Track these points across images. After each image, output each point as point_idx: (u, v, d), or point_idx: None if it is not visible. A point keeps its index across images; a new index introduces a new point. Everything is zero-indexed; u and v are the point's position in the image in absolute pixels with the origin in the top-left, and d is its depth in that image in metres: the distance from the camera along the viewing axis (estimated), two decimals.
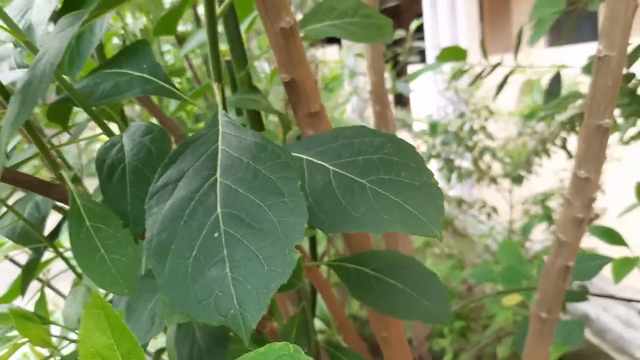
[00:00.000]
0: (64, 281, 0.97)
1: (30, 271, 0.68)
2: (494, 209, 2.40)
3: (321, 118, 0.59)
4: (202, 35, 0.75)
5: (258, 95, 0.59)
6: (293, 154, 0.40)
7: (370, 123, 2.71)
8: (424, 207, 0.36)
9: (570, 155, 2.15)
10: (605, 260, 0.93)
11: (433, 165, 2.46)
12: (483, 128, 2.28)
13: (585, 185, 0.56)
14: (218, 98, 0.39)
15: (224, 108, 0.39)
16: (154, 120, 0.88)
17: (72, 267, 0.70)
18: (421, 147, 2.42)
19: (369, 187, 0.37)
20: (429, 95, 3.53)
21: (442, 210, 0.36)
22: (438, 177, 2.44)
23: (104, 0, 0.32)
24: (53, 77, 0.28)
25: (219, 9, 0.38)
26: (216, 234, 0.30)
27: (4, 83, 0.41)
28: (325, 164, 0.39)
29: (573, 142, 2.13)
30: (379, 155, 0.38)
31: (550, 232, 2.24)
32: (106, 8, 0.32)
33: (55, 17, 0.49)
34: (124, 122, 0.61)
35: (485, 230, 2.63)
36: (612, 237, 0.95)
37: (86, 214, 0.34)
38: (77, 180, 0.73)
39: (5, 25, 0.40)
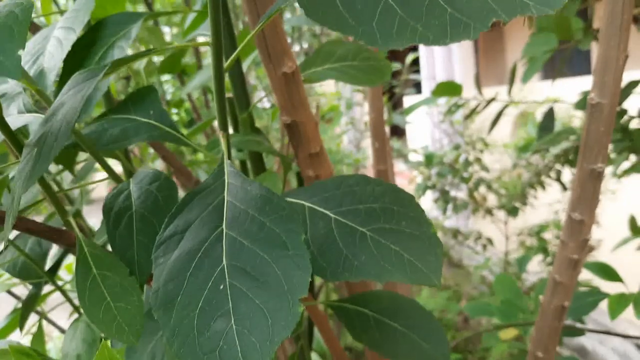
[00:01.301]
0: (59, 312, 0.96)
1: (29, 306, 0.68)
2: (490, 241, 2.40)
3: (321, 159, 0.61)
4: (204, 76, 0.76)
5: (260, 137, 0.60)
6: (296, 200, 0.42)
7: (367, 154, 2.73)
8: (423, 256, 0.37)
9: (564, 188, 2.17)
10: (601, 296, 0.94)
11: (429, 196, 2.48)
12: (478, 160, 2.30)
13: (579, 227, 0.57)
14: (224, 147, 0.40)
15: (229, 157, 0.41)
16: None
17: (71, 302, 0.70)
18: (417, 178, 2.44)
19: (369, 235, 0.38)
20: (424, 126, 3.57)
21: (441, 260, 0.37)
22: (434, 208, 2.46)
23: (117, 60, 0.33)
24: (69, 135, 0.29)
25: (226, 63, 0.39)
26: (222, 287, 0.31)
27: (13, 128, 0.42)
28: (327, 211, 0.40)
29: (567, 174, 2.16)
30: (379, 204, 0.39)
31: (546, 264, 2.24)
32: (119, 66, 0.33)
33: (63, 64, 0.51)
34: (128, 160, 0.62)
35: (481, 261, 2.63)
36: (608, 273, 0.96)
37: (93, 262, 0.35)
38: (78, 214, 0.73)
39: None
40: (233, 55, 0.40)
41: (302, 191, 0.42)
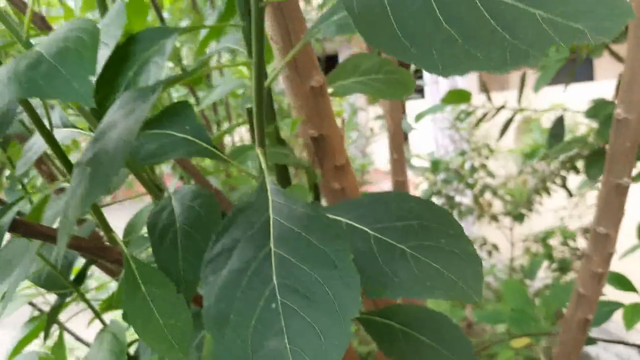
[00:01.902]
0: (76, 323, 0.97)
1: (54, 316, 0.68)
2: (495, 247, 2.41)
3: (346, 171, 0.61)
4: (225, 89, 0.77)
5: (286, 149, 0.61)
6: (333, 216, 0.42)
7: (372, 159, 2.74)
8: (463, 274, 0.37)
9: (570, 194, 2.18)
10: (616, 306, 0.94)
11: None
12: (484, 166, 2.31)
13: (604, 241, 0.57)
14: (263, 164, 0.40)
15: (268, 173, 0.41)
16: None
17: (97, 313, 0.70)
18: (423, 184, 2.44)
19: (409, 253, 0.38)
20: (427, 131, 3.58)
21: (481, 278, 0.37)
22: None
23: (167, 80, 0.34)
24: (126, 157, 0.29)
25: (266, 82, 0.40)
26: (273, 305, 0.31)
27: None
28: (365, 228, 0.40)
29: (573, 180, 2.16)
30: (417, 221, 0.40)
31: (551, 270, 2.25)
32: (169, 86, 0.34)
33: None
34: (152, 171, 0.62)
35: (486, 267, 2.63)
36: (622, 283, 0.96)
37: (141, 279, 0.36)
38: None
39: None
40: (273, 74, 0.41)
41: (339, 207, 0.43)
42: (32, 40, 0.39)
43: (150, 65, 0.48)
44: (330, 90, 0.61)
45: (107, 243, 0.41)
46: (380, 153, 2.88)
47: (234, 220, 0.36)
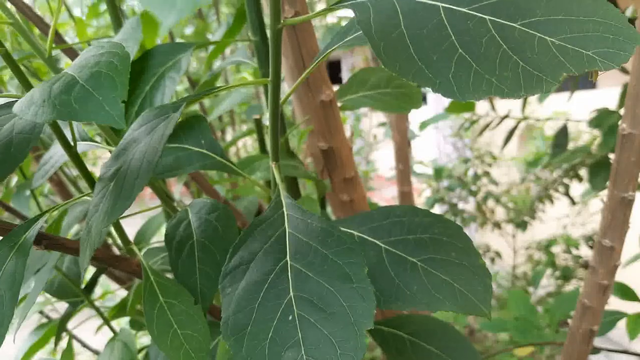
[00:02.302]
0: (81, 329, 0.98)
1: (65, 323, 0.69)
2: (498, 254, 2.41)
3: (355, 183, 0.62)
4: (233, 100, 0.78)
5: (296, 161, 0.62)
6: (345, 229, 0.43)
7: (376, 167, 2.75)
8: (473, 286, 0.38)
9: (573, 202, 2.18)
10: (619, 315, 0.95)
11: (437, 210, 2.49)
12: (487, 173, 2.32)
13: (609, 254, 0.58)
14: (277, 178, 0.41)
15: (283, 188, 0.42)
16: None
17: (106, 320, 0.71)
18: (426, 190, 2.45)
19: (420, 266, 0.39)
20: (428, 138, 3.59)
21: (490, 290, 0.38)
22: None
23: (188, 97, 0.35)
24: (151, 174, 0.30)
25: (282, 99, 0.41)
26: (290, 317, 0.32)
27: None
28: (377, 241, 0.41)
29: (576, 188, 2.17)
30: (428, 234, 0.41)
31: (554, 278, 2.25)
32: (190, 104, 0.35)
33: None
34: (163, 181, 0.63)
35: None
36: (626, 293, 0.97)
37: (160, 290, 0.37)
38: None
39: None
40: (289, 92, 0.42)
41: (351, 220, 0.44)
42: (46, 53, 0.40)
43: (166, 80, 0.49)
44: (339, 103, 0.63)
45: (118, 252, 0.42)
46: (383, 159, 2.89)
47: (251, 233, 0.37)
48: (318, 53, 0.48)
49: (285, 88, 0.66)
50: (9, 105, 0.38)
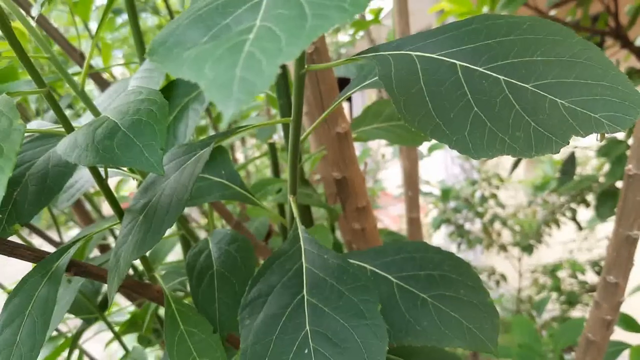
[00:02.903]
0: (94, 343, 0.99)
1: (78, 338, 0.71)
2: (503, 277, 2.41)
3: (367, 213, 0.64)
4: (247, 121, 0.80)
5: (309, 189, 0.64)
6: (358, 262, 0.45)
7: (384, 186, 2.76)
8: (481, 324, 0.40)
9: (580, 227, 2.19)
10: (622, 346, 0.95)
11: (443, 230, 2.50)
12: (494, 196, 2.33)
13: (614, 290, 0.60)
14: (295, 212, 0.43)
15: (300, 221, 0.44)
16: None
17: (117, 336, 0.73)
18: (432, 210, 2.46)
19: (430, 302, 0.41)
20: (437, 158, 3.61)
21: (498, 329, 0.40)
22: (448, 242, 2.47)
23: (216, 136, 0.37)
24: (181, 211, 0.32)
25: (302, 137, 0.43)
26: (306, 351, 0.34)
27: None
28: (389, 276, 0.43)
29: (583, 213, 2.17)
30: (438, 271, 0.42)
31: (559, 302, 2.25)
32: (219, 142, 0.37)
33: None
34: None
35: (495, 297, 2.63)
36: (630, 324, 0.97)
37: (180, 318, 0.38)
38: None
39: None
40: (309, 130, 0.44)
41: (364, 254, 0.45)
42: (73, 75, 0.43)
43: (190, 111, 0.51)
44: (353, 135, 0.64)
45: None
46: (390, 178, 2.91)
47: (269, 266, 0.39)
48: (337, 94, 0.50)
49: (303, 120, 0.68)
50: (45, 137, 0.40)
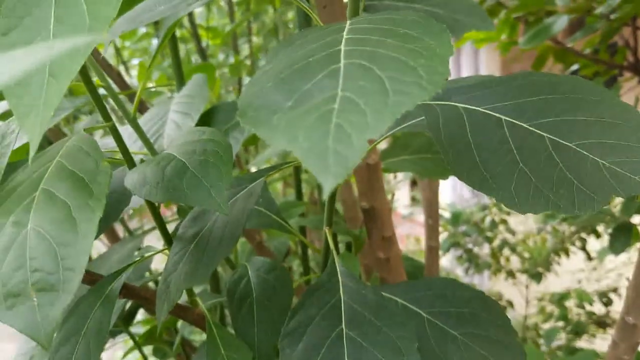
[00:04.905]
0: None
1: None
2: (510, 303, 2.41)
3: (392, 242, 0.66)
4: (272, 151, 0.82)
5: (336, 217, 0.66)
6: (389, 296, 0.46)
7: (398, 205, 2.77)
8: None
9: (589, 257, 2.19)
10: None
11: (451, 254, 2.51)
12: (504, 221, 2.33)
13: (632, 331, 0.61)
14: (331, 244, 0.45)
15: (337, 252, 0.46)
16: None
17: (138, 346, 0.74)
18: (442, 233, 2.47)
19: (460, 339, 0.42)
20: (447, 180, 3.61)
21: None
22: (455, 265, 2.48)
23: (268, 169, 0.39)
24: (233, 245, 0.34)
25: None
26: None
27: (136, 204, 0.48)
28: (420, 311, 0.45)
29: (593, 244, 2.18)
30: (469, 309, 0.44)
31: (566, 332, 2.24)
32: (270, 175, 0.39)
33: None
34: None
35: None
36: None
37: (222, 343, 0.40)
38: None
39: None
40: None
41: (396, 287, 0.47)
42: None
43: (230, 140, 0.53)
44: (382, 166, 0.66)
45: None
46: (399, 197, 2.93)
47: (308, 297, 0.40)
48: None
49: None
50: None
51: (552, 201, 0.30)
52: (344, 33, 0.27)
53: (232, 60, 1.40)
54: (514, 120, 0.33)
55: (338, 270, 0.42)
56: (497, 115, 0.33)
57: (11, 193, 0.28)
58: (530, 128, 0.32)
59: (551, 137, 0.31)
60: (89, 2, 0.24)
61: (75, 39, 0.16)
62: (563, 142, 0.31)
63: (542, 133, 0.32)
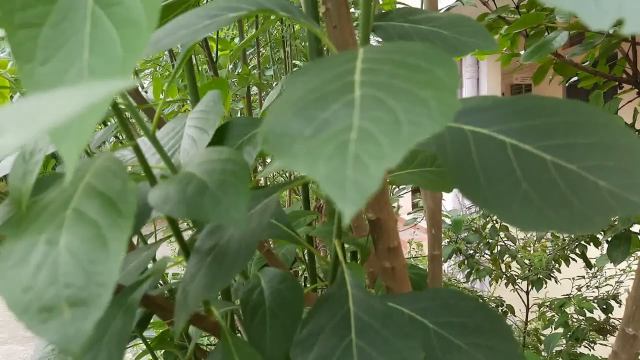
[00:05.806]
0: None
1: None
2: (511, 309, 2.42)
3: (398, 253, 0.67)
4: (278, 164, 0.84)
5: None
6: (395, 306, 0.48)
7: (402, 211, 2.79)
8: None
9: (589, 265, 2.20)
10: None
11: (453, 260, 2.52)
12: (505, 228, 2.35)
13: (632, 342, 0.62)
14: (340, 256, 0.47)
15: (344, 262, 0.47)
16: None
17: (151, 351, 0.76)
18: (444, 240, 2.49)
19: (465, 349, 0.44)
20: None
21: None
22: (457, 271, 2.49)
23: (280, 185, 0.40)
24: (250, 257, 0.36)
25: None
26: None
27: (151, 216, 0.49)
28: (426, 321, 0.46)
29: (592, 251, 2.19)
30: (472, 320, 0.45)
31: (566, 338, 2.26)
32: (282, 190, 0.40)
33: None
34: None
35: None
36: None
37: (236, 352, 0.42)
38: None
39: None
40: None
41: (401, 298, 0.49)
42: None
43: (244, 154, 0.55)
44: (387, 179, 0.68)
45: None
46: (402, 204, 2.94)
47: (319, 307, 0.42)
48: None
49: None
50: None
51: (554, 221, 0.31)
52: (357, 63, 0.29)
53: (239, 69, 1.42)
54: (517, 143, 0.34)
55: (347, 281, 0.44)
56: (502, 137, 0.35)
57: (42, 212, 0.30)
58: (534, 151, 0.34)
59: (553, 159, 0.33)
60: (122, 34, 0.26)
61: (110, 83, 0.18)
62: (565, 164, 0.33)
63: (544, 156, 0.33)
